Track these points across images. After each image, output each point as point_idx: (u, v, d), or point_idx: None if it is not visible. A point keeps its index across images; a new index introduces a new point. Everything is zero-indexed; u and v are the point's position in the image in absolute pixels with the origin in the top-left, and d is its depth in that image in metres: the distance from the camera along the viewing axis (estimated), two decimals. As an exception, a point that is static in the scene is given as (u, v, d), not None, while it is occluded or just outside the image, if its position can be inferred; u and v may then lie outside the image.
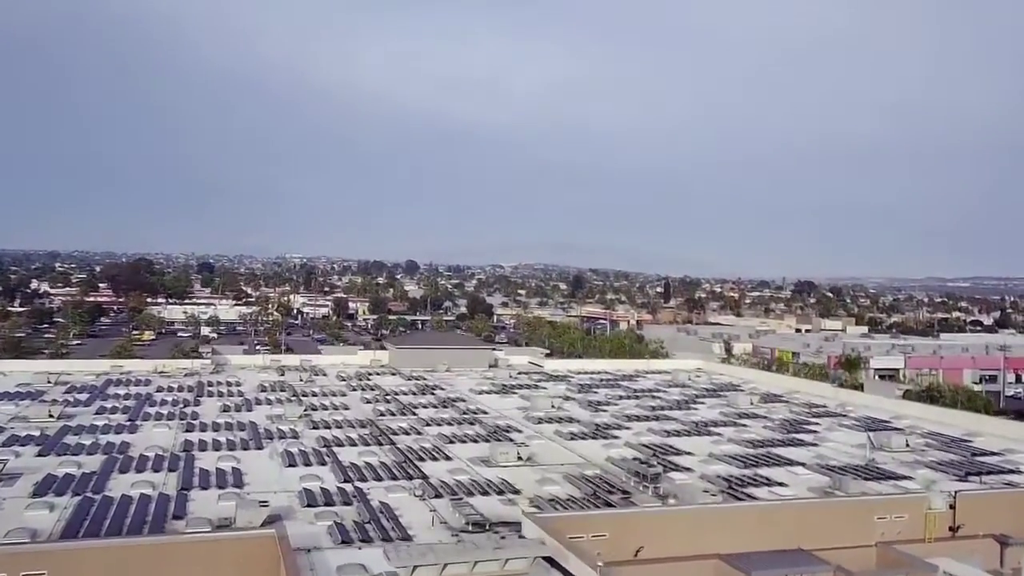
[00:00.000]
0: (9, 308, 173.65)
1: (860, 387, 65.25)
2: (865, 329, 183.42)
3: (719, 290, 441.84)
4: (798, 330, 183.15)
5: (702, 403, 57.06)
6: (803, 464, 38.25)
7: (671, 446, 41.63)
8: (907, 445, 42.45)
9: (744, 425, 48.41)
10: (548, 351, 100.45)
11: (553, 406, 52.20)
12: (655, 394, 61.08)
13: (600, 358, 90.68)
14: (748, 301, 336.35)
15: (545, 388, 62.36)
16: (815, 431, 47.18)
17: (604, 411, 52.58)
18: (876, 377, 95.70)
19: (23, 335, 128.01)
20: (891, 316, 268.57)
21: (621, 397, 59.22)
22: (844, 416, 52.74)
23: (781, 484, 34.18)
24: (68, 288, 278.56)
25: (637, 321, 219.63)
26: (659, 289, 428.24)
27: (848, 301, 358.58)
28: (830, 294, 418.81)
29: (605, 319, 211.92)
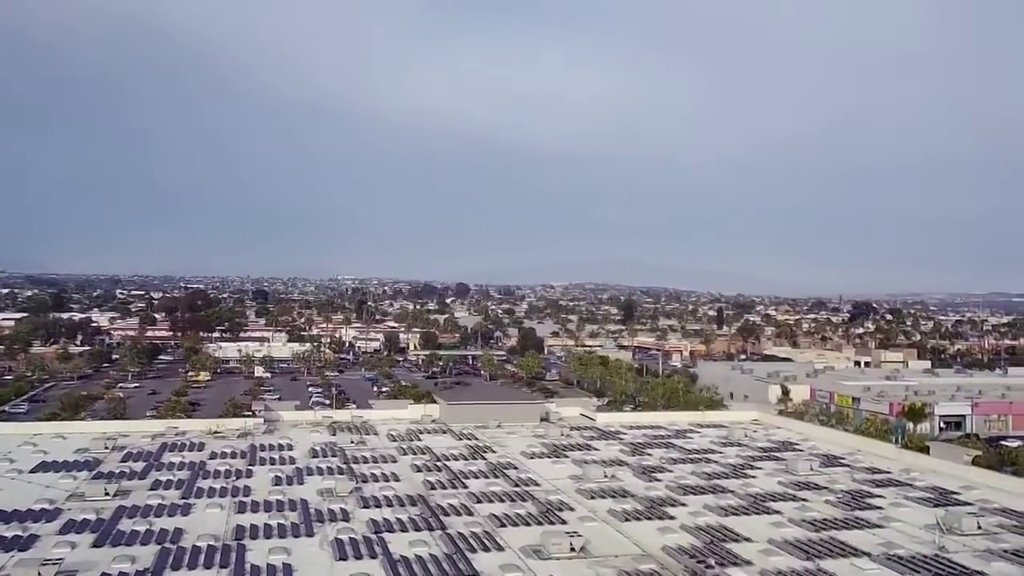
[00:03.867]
0: (72, 347, 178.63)
1: (925, 449, 62.80)
2: (928, 364, 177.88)
3: (773, 313, 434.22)
4: (857, 363, 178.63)
5: (759, 468, 55.46)
6: (869, 555, 36.66)
7: (729, 529, 40.32)
8: (978, 527, 40.46)
9: (804, 500, 46.73)
10: (599, 401, 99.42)
11: (606, 476, 51.20)
12: (710, 456, 59.59)
13: (653, 406, 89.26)
14: (804, 328, 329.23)
15: (598, 450, 61.36)
16: (880, 507, 45.31)
17: (659, 480, 51.38)
18: (941, 424, 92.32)
19: (84, 378, 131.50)
20: (954, 343, 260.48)
21: (675, 460, 57.87)
22: (910, 485, 50.69)
23: (846, 584, 32.75)
24: (128, 320, 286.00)
25: (690, 352, 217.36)
26: (712, 312, 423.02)
27: (908, 325, 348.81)
28: (889, 316, 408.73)
29: (658, 351, 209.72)
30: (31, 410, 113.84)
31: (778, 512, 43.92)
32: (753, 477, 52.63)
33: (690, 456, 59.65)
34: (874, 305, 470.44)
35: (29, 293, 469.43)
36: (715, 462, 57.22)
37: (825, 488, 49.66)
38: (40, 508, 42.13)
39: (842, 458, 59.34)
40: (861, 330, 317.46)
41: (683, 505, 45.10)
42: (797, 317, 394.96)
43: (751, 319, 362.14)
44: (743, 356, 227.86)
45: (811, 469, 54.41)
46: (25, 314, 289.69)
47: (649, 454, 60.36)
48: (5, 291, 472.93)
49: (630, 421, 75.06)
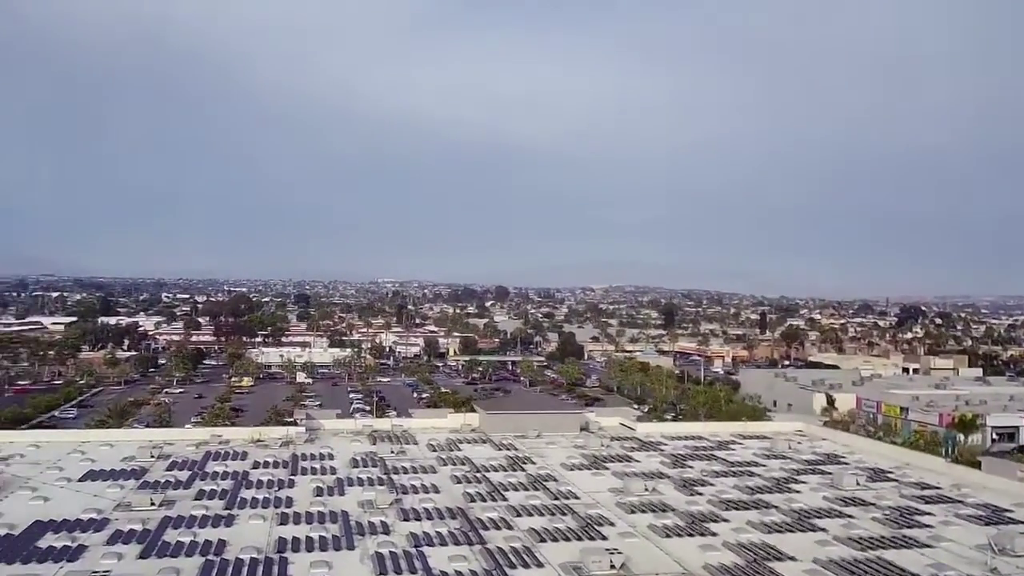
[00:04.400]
0: (119, 352, 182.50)
1: (976, 463, 61.23)
2: (979, 371, 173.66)
3: (818, 317, 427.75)
4: (905, 370, 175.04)
5: (804, 482, 54.52)
6: (917, 576, 35.79)
7: (772, 547, 39.65)
8: (1033, 548, 39.27)
9: (851, 516, 45.79)
10: (639, 411, 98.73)
11: (646, 489, 50.72)
12: (753, 469, 58.77)
13: (694, 415, 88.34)
14: (850, 332, 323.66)
15: (638, 461, 60.87)
16: (929, 526, 44.23)
17: (700, 494, 50.76)
18: (994, 436, 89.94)
19: (130, 383, 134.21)
20: (1007, 349, 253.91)
21: (717, 474, 57.14)
22: (960, 502, 49.44)
23: (894, 608, 31.95)
24: (173, 324, 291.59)
25: (732, 358, 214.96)
26: (754, 316, 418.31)
27: (959, 330, 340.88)
28: (939, 320, 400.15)
29: (699, 356, 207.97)
30: (80, 415, 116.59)
31: (823, 529, 43.11)
32: (797, 492, 51.75)
33: (732, 469, 58.87)
34: (923, 308, 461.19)
35: (78, 297, 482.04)
36: (758, 475, 56.42)
37: (872, 504, 48.63)
38: (88, 518, 42.93)
39: (889, 472, 58.12)
40: (909, 335, 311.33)
41: (725, 521, 44.48)
42: (843, 321, 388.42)
43: (795, 323, 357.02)
44: (787, 362, 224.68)
45: (857, 484, 53.32)
46: (74, 318, 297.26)
47: (690, 466, 59.71)
48: (55, 295, 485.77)
49: (671, 431, 74.33)
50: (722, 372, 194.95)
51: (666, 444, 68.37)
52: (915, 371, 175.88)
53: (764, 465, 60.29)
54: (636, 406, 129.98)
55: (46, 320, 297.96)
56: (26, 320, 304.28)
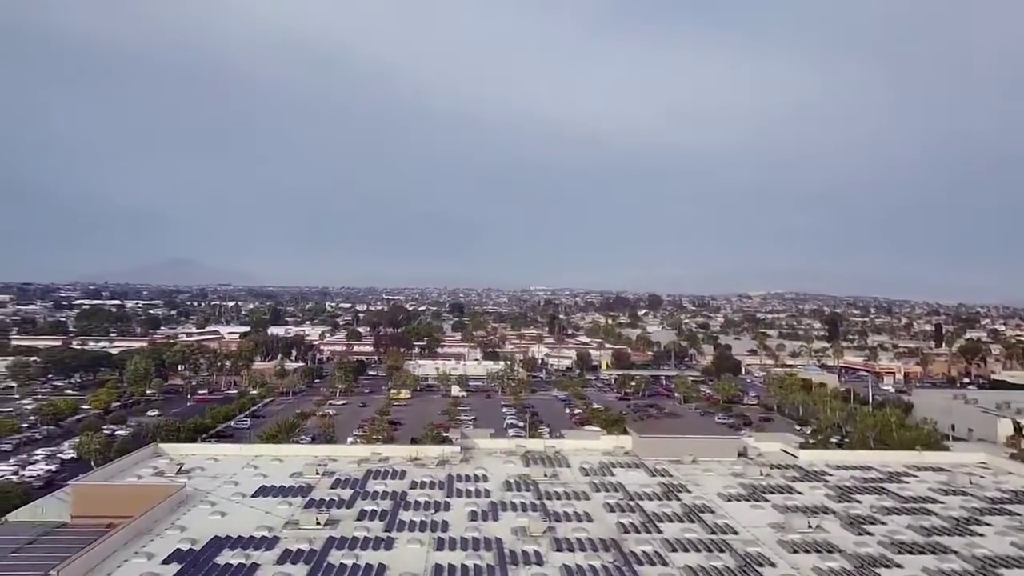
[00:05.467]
0: (287, 363, 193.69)
1: None
2: None
3: (1002, 328, 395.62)
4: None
5: (988, 524, 50.15)
6: None
7: (953, 601, 36.68)
8: None
9: (1045, 568, 41.72)
10: (802, 433, 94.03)
11: (810, 526, 48.23)
12: (929, 506, 54.67)
13: (863, 441, 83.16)
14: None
15: (800, 493, 58.02)
16: None
17: (870, 533, 47.72)
18: None
19: (297, 394, 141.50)
20: None
21: (888, 510, 53.54)
22: None
23: None
24: (336, 335, 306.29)
25: (904, 375, 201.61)
26: (928, 327, 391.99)
27: None
28: None
29: (867, 372, 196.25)
30: (253, 424, 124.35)
31: (1012, 583, 39.50)
32: (980, 535, 47.69)
33: (905, 505, 55.00)
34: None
35: (251, 306, 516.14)
36: (935, 514, 52.43)
37: (1069, 554, 44.09)
38: (260, 535, 45.47)
39: (1090, 516, 52.55)
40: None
41: (898, 567, 41.59)
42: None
43: (975, 335, 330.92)
44: (966, 381, 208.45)
45: (1052, 529, 48.60)
46: (247, 328, 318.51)
47: (858, 501, 56.29)
48: (231, 304, 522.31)
49: (836, 460, 70.38)
50: (892, 390, 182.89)
51: (831, 474, 64.84)
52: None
53: (941, 502, 55.98)
54: (798, 427, 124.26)
55: (223, 329, 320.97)
56: (206, 329, 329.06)
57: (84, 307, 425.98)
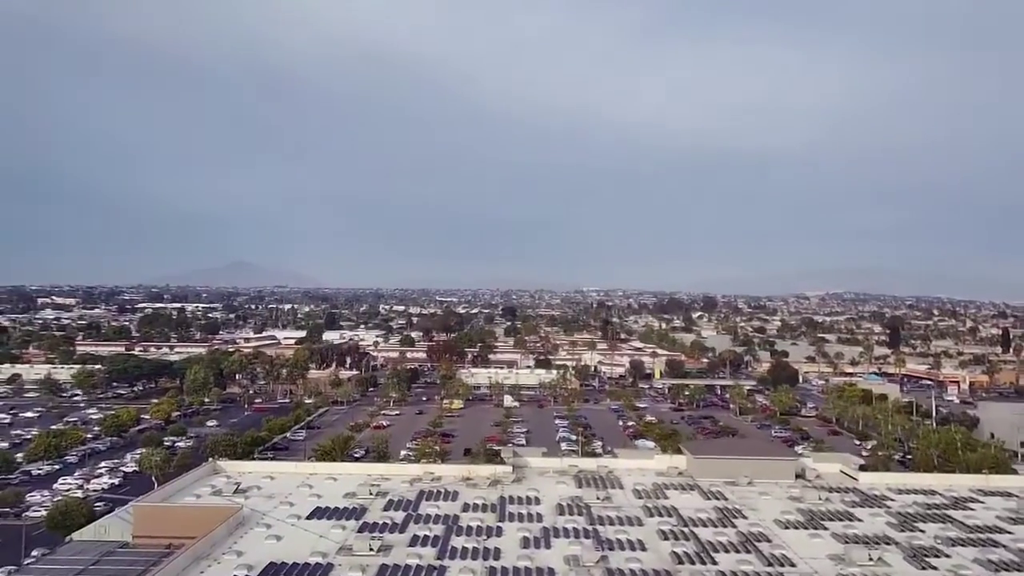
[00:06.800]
0: (342, 371, 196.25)
1: None
2: None
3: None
4: None
5: (1062, 558, 48.17)
6: None
7: (1023, 648, 35.26)
8: None
9: (1122, 611, 39.92)
10: (862, 447, 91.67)
11: (871, 559, 46.90)
12: (997, 537, 52.75)
13: (926, 460, 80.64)
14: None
15: (860, 520, 56.50)
16: None
17: (934, 567, 46.20)
18: None
19: (352, 403, 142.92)
20: None
21: (953, 541, 51.79)
22: None
23: None
24: (390, 340, 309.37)
25: (970, 384, 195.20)
26: (995, 331, 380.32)
27: None
28: None
29: (930, 381, 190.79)
30: (308, 436, 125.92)
31: (1087, 627, 37.81)
32: (1053, 571, 45.84)
33: (971, 536, 53.15)
34: None
35: (307, 309, 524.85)
36: (1003, 546, 50.57)
37: None
38: (315, 562, 45.87)
39: None
40: None
41: (965, 607, 40.16)
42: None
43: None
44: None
45: None
46: (303, 332, 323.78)
47: (921, 530, 54.58)
48: (287, 307, 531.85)
49: (898, 483, 68.41)
50: (957, 400, 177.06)
51: (892, 499, 63.07)
52: None
53: (1010, 532, 53.96)
54: (857, 443, 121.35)
55: (279, 334, 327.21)
56: (263, 335, 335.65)
57: (146, 311, 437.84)
